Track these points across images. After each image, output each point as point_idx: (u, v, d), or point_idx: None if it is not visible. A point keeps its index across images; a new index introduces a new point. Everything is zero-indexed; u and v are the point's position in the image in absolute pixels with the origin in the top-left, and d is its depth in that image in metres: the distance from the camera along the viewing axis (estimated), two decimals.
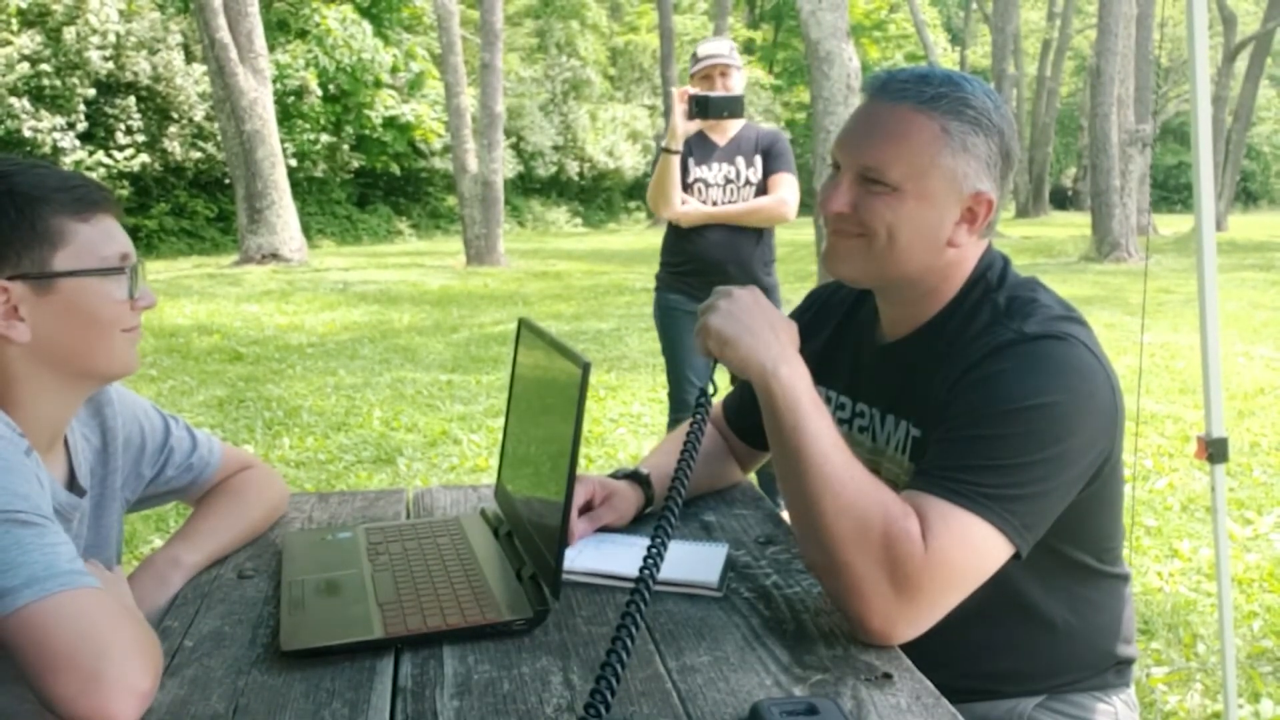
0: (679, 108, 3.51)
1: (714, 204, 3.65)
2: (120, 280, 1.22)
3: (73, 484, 1.29)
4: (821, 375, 1.20)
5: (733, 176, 3.64)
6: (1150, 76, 18.27)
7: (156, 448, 1.44)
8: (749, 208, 3.62)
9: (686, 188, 3.65)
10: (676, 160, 3.56)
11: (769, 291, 3.61)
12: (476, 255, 15.90)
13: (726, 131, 3.67)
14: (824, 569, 1.14)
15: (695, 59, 3.68)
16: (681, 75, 23.59)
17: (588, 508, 1.43)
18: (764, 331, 1.19)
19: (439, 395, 6.37)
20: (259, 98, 15.11)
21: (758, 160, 3.64)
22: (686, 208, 3.63)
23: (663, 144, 3.61)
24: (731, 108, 3.54)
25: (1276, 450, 4.94)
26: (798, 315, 1.55)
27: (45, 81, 18.09)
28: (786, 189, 3.61)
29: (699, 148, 3.67)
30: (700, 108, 3.49)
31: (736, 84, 3.63)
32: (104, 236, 1.21)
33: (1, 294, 1.15)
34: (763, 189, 3.64)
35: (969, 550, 1.10)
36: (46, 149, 17.93)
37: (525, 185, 28.93)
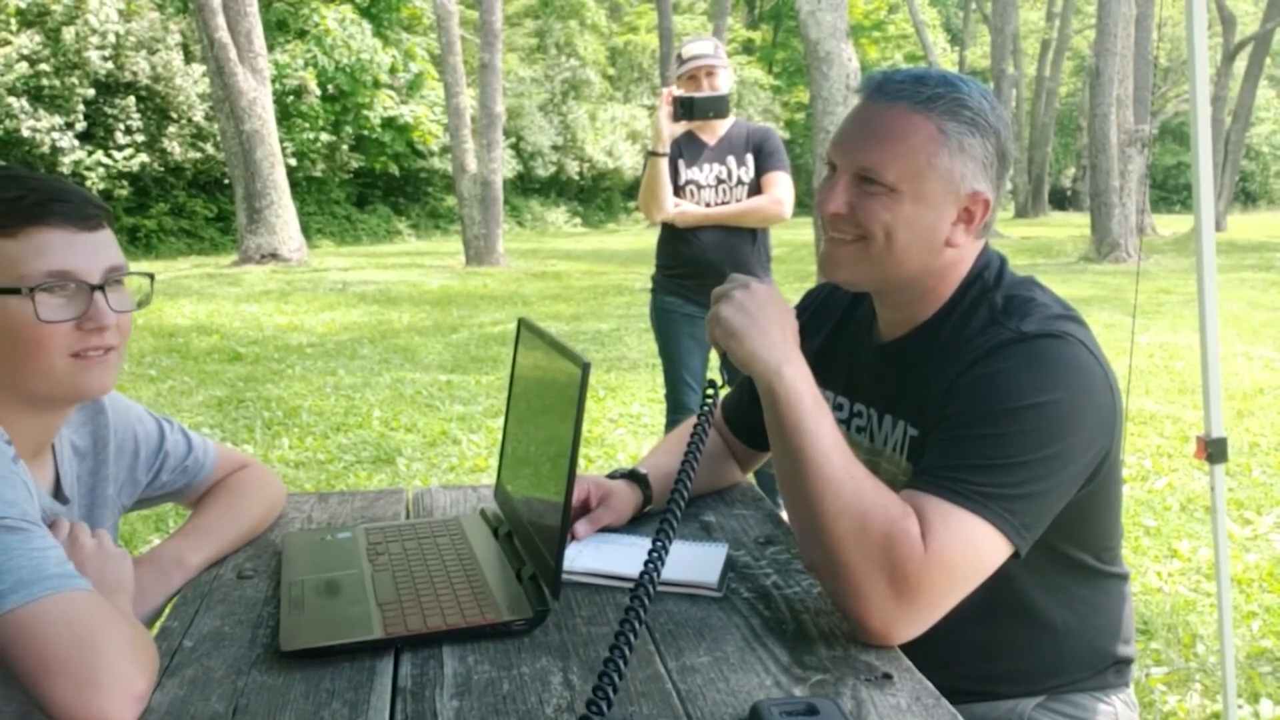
0: (664, 110, 3.47)
1: (707, 205, 3.60)
2: (49, 299, 1.12)
3: (58, 492, 1.29)
4: (819, 376, 1.20)
5: (724, 176, 3.59)
6: (1149, 76, 18.26)
7: (151, 453, 1.44)
8: (744, 208, 3.57)
9: (678, 190, 3.60)
10: (664, 163, 3.52)
11: None
12: (476, 255, 15.90)
13: (716, 131, 3.63)
14: (824, 569, 1.14)
15: (680, 60, 3.63)
16: None
17: (585, 508, 1.43)
18: (772, 329, 1.19)
19: (438, 395, 6.37)
20: (258, 98, 15.11)
21: (749, 159, 3.59)
22: (680, 210, 3.59)
23: (649, 148, 3.58)
24: (717, 107, 3.49)
25: (1276, 450, 4.94)
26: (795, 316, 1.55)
27: (44, 81, 18.07)
28: (781, 187, 3.56)
29: (689, 149, 3.62)
30: (685, 109, 3.45)
31: (723, 83, 3.58)
32: (32, 252, 1.12)
33: None
34: (756, 188, 3.59)
35: (968, 550, 1.11)
36: (45, 149, 17.93)
37: (524, 185, 28.91)
